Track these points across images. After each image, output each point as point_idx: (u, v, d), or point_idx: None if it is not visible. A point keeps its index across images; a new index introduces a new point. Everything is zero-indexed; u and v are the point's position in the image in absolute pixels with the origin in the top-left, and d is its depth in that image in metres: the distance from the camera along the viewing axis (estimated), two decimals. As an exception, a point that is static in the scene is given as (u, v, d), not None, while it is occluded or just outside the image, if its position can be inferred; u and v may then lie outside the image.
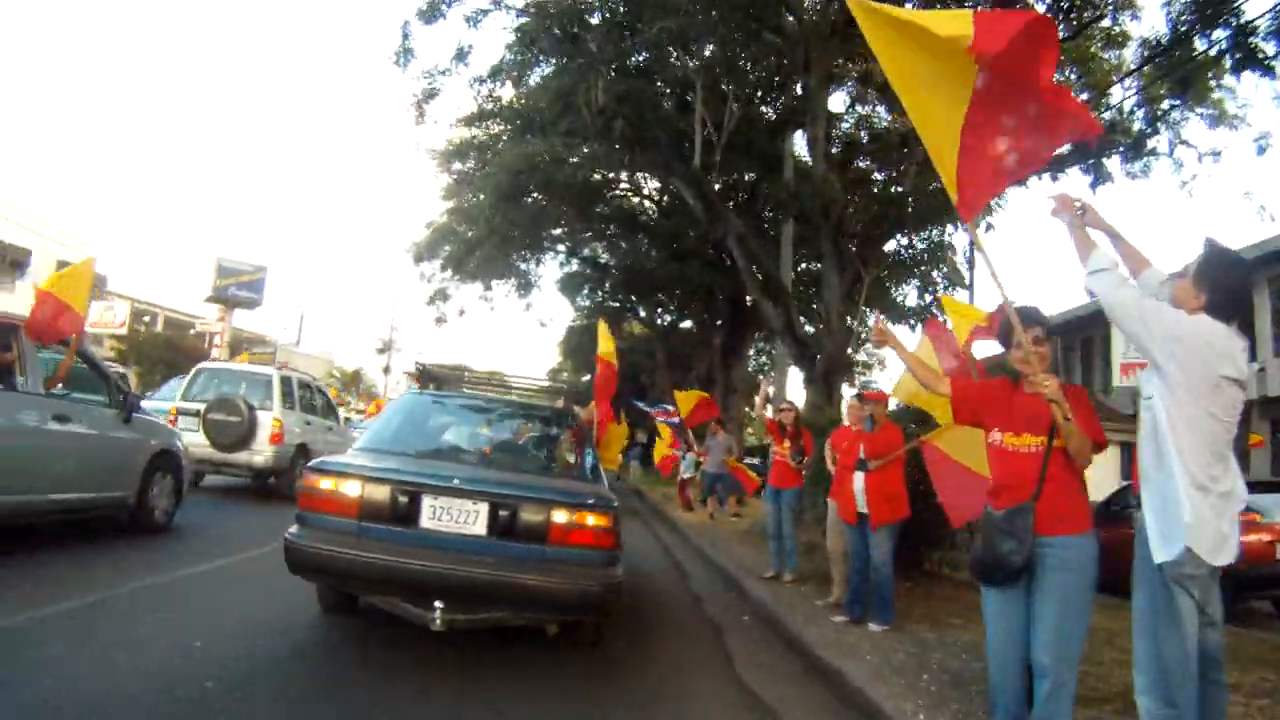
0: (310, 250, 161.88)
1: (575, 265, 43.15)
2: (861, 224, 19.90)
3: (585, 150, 24.35)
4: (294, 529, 6.24)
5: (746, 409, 41.76)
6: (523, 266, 39.20)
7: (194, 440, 15.10)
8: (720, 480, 22.19)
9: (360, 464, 6.56)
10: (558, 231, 37.77)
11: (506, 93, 24.70)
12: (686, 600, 11.00)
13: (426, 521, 6.16)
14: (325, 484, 6.26)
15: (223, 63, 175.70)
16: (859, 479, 9.05)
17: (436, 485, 6.27)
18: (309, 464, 6.88)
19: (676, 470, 26.70)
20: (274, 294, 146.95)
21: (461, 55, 20.20)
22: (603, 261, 41.78)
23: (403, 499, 6.15)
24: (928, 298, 22.47)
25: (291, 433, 16.83)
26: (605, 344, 11.64)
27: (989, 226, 21.52)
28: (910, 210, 18.70)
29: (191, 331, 60.61)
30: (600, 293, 45.43)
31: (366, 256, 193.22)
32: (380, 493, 6.17)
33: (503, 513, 6.17)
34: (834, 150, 22.46)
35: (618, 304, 46.34)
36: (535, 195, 29.69)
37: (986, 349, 8.75)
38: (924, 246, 21.60)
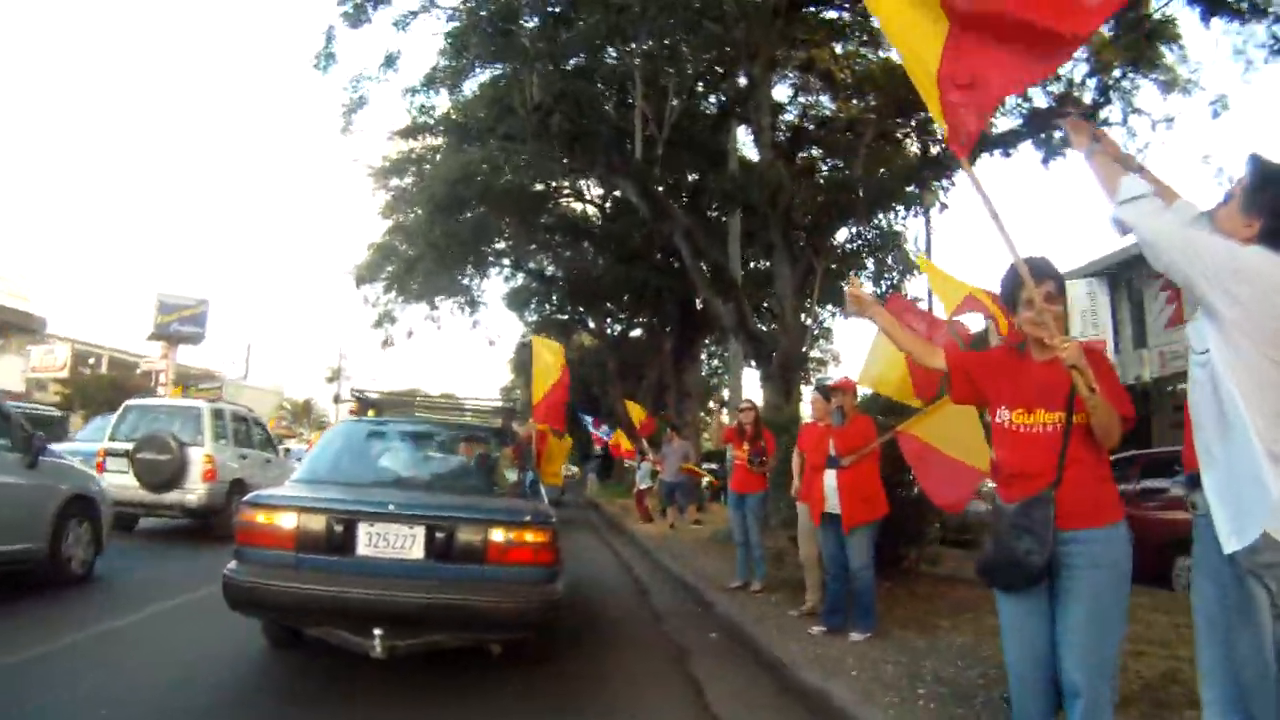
0: (254, 281, 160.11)
1: (521, 279, 42.60)
2: (810, 214, 19.26)
3: (524, 157, 23.54)
4: (232, 564, 6.18)
5: (702, 414, 41.23)
6: (466, 282, 38.43)
7: (124, 482, 14.38)
8: (679, 488, 21.53)
9: (295, 495, 6.62)
10: (501, 245, 37.28)
11: (442, 103, 23.96)
12: (648, 619, 10.19)
13: (363, 549, 6.12)
14: (261, 517, 6.22)
15: (151, 97, 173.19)
16: (830, 478, 8.28)
17: (372, 512, 6.26)
18: (244, 498, 6.81)
19: (638, 467, 25.83)
20: (219, 328, 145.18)
21: (390, 61, 19.38)
22: (549, 274, 41.23)
23: (338, 528, 6.11)
24: (883, 285, 21.85)
25: (226, 468, 15.87)
26: (554, 358, 11.62)
27: (943, 206, 20.90)
28: (860, 196, 18.00)
29: (138, 371, 59.33)
30: (548, 305, 45.07)
31: (312, 284, 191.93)
32: (316, 523, 6.12)
33: (439, 535, 6.15)
34: (780, 139, 21.78)
35: (566, 316, 46.07)
36: (474, 207, 28.92)
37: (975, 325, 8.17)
38: (875, 234, 20.94)
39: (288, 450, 21.57)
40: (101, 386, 51.71)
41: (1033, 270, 3.91)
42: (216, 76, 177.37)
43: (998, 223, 4.04)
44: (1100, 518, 3.78)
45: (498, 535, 6.21)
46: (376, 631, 5.89)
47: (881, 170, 18.87)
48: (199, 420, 15.83)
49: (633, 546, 18.56)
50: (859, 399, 9.33)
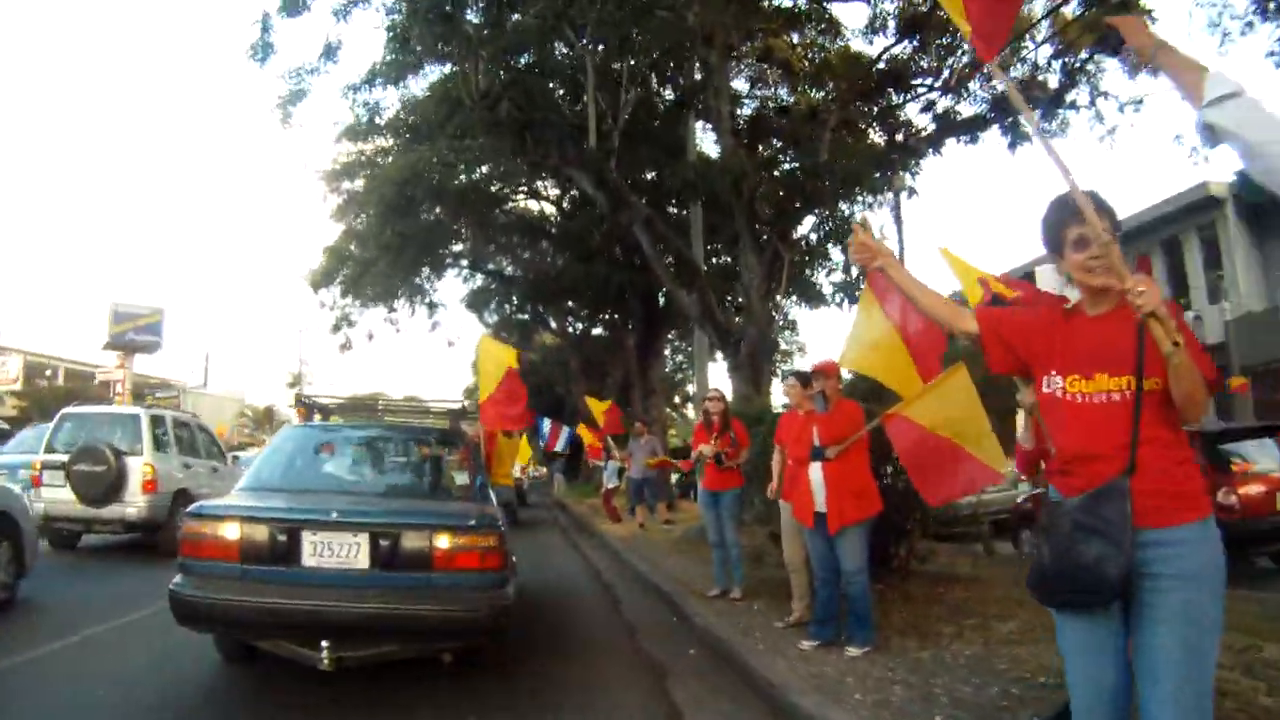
0: (211, 289, 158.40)
1: (480, 280, 41.90)
2: (775, 202, 18.56)
3: (475, 153, 22.71)
4: (178, 578, 6.05)
5: (668, 410, 40.56)
6: (421, 283, 37.53)
7: (61, 496, 13.80)
8: (647, 485, 20.79)
9: (239, 504, 6.56)
10: (459, 247, 36.80)
11: (389, 101, 23.23)
12: (620, 633, 9.37)
13: (308, 559, 6.02)
14: (205, 529, 6.13)
15: (101, 104, 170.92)
16: (816, 471, 7.48)
17: (315, 520, 6.15)
18: (188, 509, 6.60)
19: (604, 466, 24.95)
20: (176, 337, 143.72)
21: (330, 52, 18.43)
22: (508, 274, 40.42)
23: (282, 537, 6.01)
24: (854, 272, 21.01)
25: (169, 478, 14.93)
26: (502, 356, 11.12)
27: (911, 192, 20.26)
28: (826, 182, 17.25)
29: (95, 381, 58.04)
30: (508, 306, 44.08)
31: (270, 290, 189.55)
32: (260, 533, 6.03)
33: (384, 543, 6.06)
34: (740, 127, 21.06)
35: (526, 316, 45.45)
36: (427, 208, 28.36)
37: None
38: (841, 222, 20.19)
39: (236, 458, 20.58)
40: (58, 398, 50.14)
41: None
42: (167, 83, 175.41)
43: (1046, 146, 3.26)
44: (1187, 512, 2.99)
45: (443, 541, 6.13)
46: (323, 643, 5.84)
47: (846, 157, 18.06)
48: (137, 428, 14.89)
49: (602, 549, 17.77)
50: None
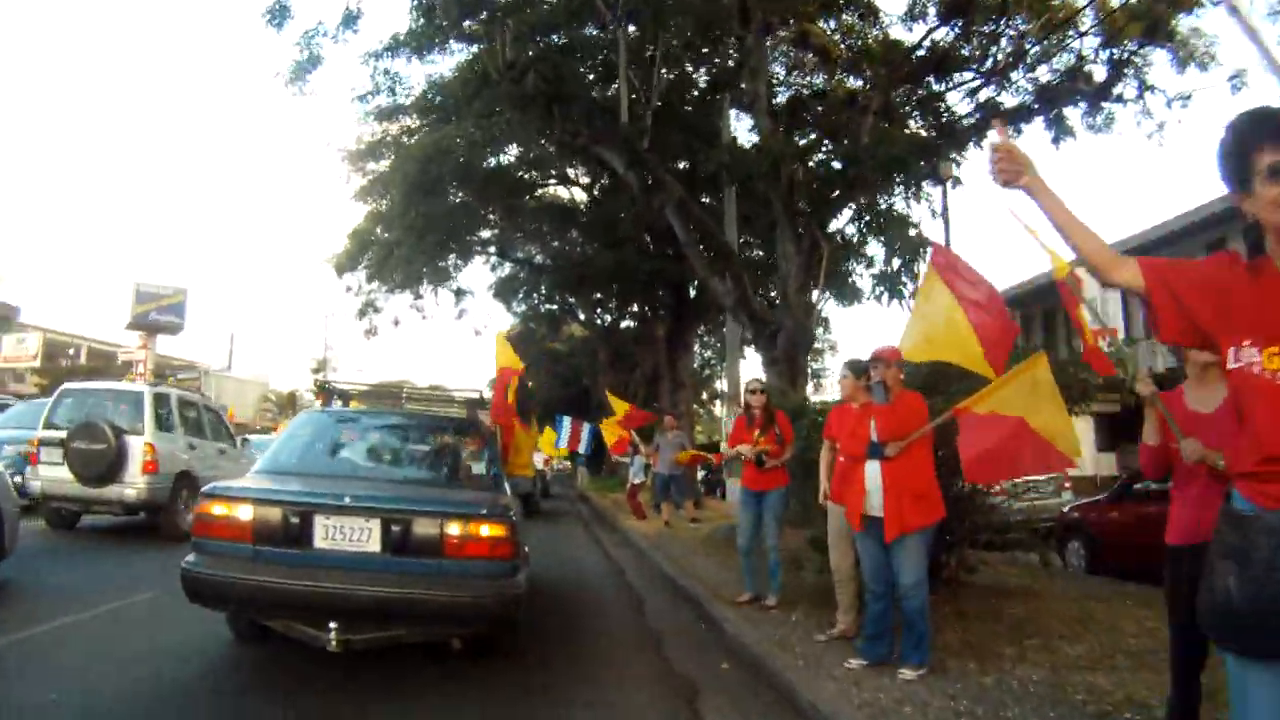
0: (236, 271, 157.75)
1: (508, 268, 41.24)
2: (814, 188, 17.70)
3: (502, 128, 21.94)
4: (190, 557, 6.16)
5: (695, 405, 39.89)
6: (447, 268, 36.92)
7: (59, 475, 13.22)
8: (674, 481, 20.02)
9: (254, 487, 6.62)
10: (486, 234, 36.26)
11: (414, 76, 22.70)
12: (645, 640, 8.59)
13: (320, 542, 6.07)
14: (219, 509, 6.20)
15: (127, 83, 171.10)
16: (873, 471, 6.66)
17: (328, 504, 6.21)
18: (203, 489, 6.62)
19: (630, 461, 24.17)
20: (201, 318, 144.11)
21: (350, 20, 17.68)
22: (536, 262, 39.74)
23: (295, 520, 6.07)
24: (895, 263, 20.08)
25: (171, 459, 14.25)
26: (507, 356, 10.68)
27: (956, 182, 19.31)
28: (868, 167, 16.35)
29: (118, 361, 57.66)
30: (536, 295, 43.67)
31: (295, 273, 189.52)
32: (273, 515, 6.10)
33: (395, 528, 6.09)
34: (777, 110, 20.23)
35: (555, 306, 45.01)
36: (452, 188, 27.86)
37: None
38: (879, 217, 19.35)
39: (246, 441, 19.86)
40: (80, 377, 49.90)
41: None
42: (192, 62, 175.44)
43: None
44: None
45: (454, 529, 6.17)
46: (331, 625, 5.93)
47: (886, 142, 17.19)
48: (139, 406, 14.20)
49: (626, 547, 17.05)
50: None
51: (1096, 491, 17.44)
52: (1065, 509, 14.96)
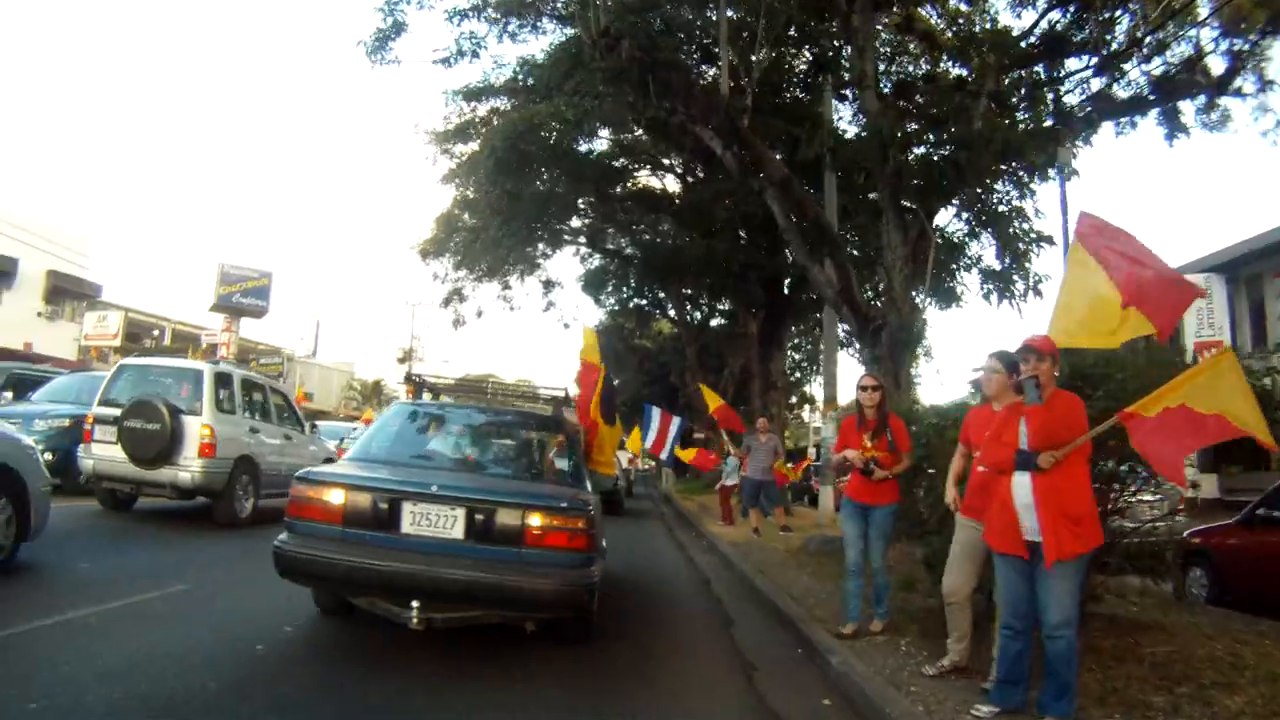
0: (323, 255, 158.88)
1: (597, 261, 40.80)
2: (923, 175, 16.50)
3: (594, 103, 21.07)
4: (283, 535, 6.54)
5: (784, 410, 38.89)
6: (533, 252, 36.33)
7: (112, 454, 12.71)
8: (765, 488, 18.94)
9: (346, 473, 6.98)
10: (577, 223, 35.90)
11: (505, 52, 22.04)
12: (734, 666, 7.52)
13: (407, 527, 6.43)
14: (311, 492, 6.59)
15: (218, 62, 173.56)
16: (1021, 484, 5.50)
17: (415, 492, 6.53)
18: (297, 474, 6.97)
19: (720, 470, 23.05)
20: (286, 303, 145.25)
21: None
22: (626, 253, 39.08)
23: (383, 505, 6.45)
24: (1008, 260, 18.80)
25: (230, 442, 13.45)
26: (589, 349, 11.01)
27: (1073, 173, 17.99)
28: (983, 152, 15.09)
29: (202, 344, 57.73)
30: (625, 289, 43.48)
31: (384, 260, 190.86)
32: (363, 500, 6.47)
33: (479, 517, 6.45)
34: (885, 91, 19.07)
35: (644, 301, 44.99)
36: (540, 169, 26.95)
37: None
38: (984, 212, 18.13)
39: (314, 426, 19.03)
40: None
41: None
42: (283, 43, 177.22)
43: None
44: None
45: (535, 519, 6.48)
46: (414, 604, 6.28)
47: (1004, 126, 15.97)
48: (199, 385, 13.46)
49: (710, 554, 16.09)
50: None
51: (1199, 515, 15.99)
52: (1185, 533, 13.53)
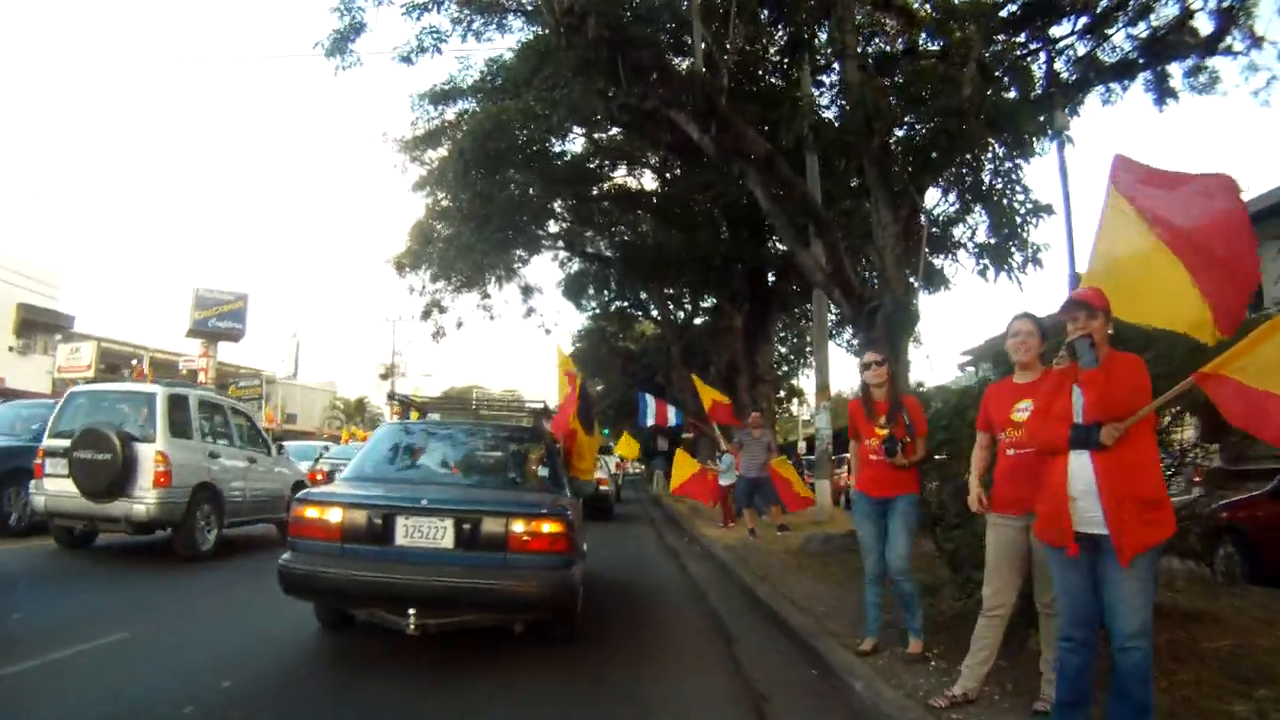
0: (300, 275, 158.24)
1: (576, 265, 40.63)
2: (912, 149, 15.69)
3: (560, 99, 20.28)
4: (286, 555, 6.99)
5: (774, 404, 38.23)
6: (512, 262, 36.02)
7: (65, 489, 11.96)
8: (759, 486, 17.92)
9: (342, 493, 7.49)
10: (554, 228, 35.26)
11: (474, 55, 21.44)
12: (742, 697, 6.52)
13: (401, 539, 6.91)
14: (311, 512, 7.02)
15: (185, 86, 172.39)
16: (1080, 466, 4.54)
17: (407, 506, 7.06)
18: (297, 495, 7.53)
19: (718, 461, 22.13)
20: (266, 325, 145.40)
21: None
22: (606, 256, 38.56)
23: (378, 521, 6.92)
24: (1005, 230, 17.92)
25: (188, 469, 12.64)
26: (563, 363, 11.78)
27: (1066, 140, 17.16)
28: (975, 121, 14.22)
29: (180, 370, 56.95)
30: (606, 292, 43.21)
31: (361, 276, 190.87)
32: (359, 517, 6.94)
33: (466, 526, 6.93)
34: (868, 65, 18.28)
35: (625, 303, 45.06)
36: (516, 177, 26.46)
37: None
38: (996, 166, 17.25)
39: (282, 447, 18.12)
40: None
41: None
42: (248, 64, 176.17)
43: None
44: None
45: (518, 526, 6.91)
46: (410, 611, 6.68)
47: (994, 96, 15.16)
48: (152, 408, 12.64)
49: (705, 560, 15.20)
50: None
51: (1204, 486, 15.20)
52: (1212, 506, 12.60)
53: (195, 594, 10.14)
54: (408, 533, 6.88)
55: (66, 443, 12.03)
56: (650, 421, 26.24)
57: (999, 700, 5.59)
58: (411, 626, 6.68)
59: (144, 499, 11.95)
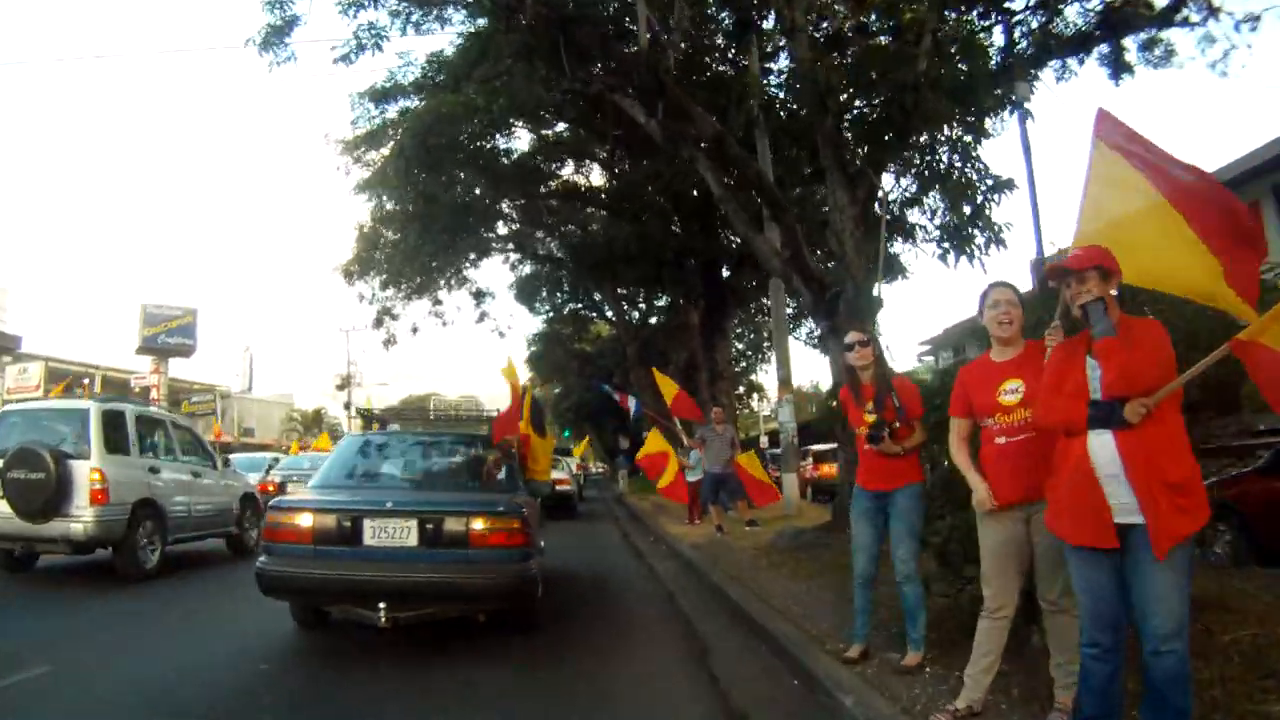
0: (250, 287, 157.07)
1: (528, 268, 40.88)
2: (867, 128, 15.21)
3: (502, 84, 19.97)
4: (262, 558, 7.54)
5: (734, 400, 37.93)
6: (461, 265, 35.67)
7: (1, 511, 11.42)
8: (724, 481, 17.59)
9: (312, 499, 8.11)
10: (504, 230, 35.52)
11: (412, 46, 20.96)
12: (716, 715, 5.94)
13: (369, 539, 7.40)
14: (284, 518, 7.58)
15: (124, 100, 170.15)
16: (1102, 446, 3.97)
17: (373, 509, 7.61)
18: (270, 503, 8.17)
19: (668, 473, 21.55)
20: (218, 340, 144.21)
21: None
22: (557, 257, 38.59)
23: (347, 523, 7.42)
24: (966, 210, 17.38)
25: (127, 485, 12.23)
26: (509, 373, 11.73)
27: (1027, 113, 16.73)
28: (936, 88, 13.67)
29: (132, 389, 56.16)
30: (559, 294, 43.88)
31: (313, 286, 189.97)
32: (329, 520, 7.44)
33: (429, 525, 7.44)
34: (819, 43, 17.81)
35: (579, 305, 45.40)
36: (460, 175, 26.52)
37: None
38: (954, 143, 16.79)
39: (227, 461, 17.57)
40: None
41: None
42: (190, 77, 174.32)
43: None
44: None
45: (477, 524, 7.48)
46: (380, 606, 7.22)
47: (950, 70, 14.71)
48: (86, 425, 12.21)
49: (672, 559, 14.65)
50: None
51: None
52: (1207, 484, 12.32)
53: (133, 616, 9.76)
54: (375, 533, 7.36)
55: None
56: (635, 411, 27.84)
57: (1007, 710, 5.00)
58: (382, 620, 7.18)
59: (81, 518, 11.56)
